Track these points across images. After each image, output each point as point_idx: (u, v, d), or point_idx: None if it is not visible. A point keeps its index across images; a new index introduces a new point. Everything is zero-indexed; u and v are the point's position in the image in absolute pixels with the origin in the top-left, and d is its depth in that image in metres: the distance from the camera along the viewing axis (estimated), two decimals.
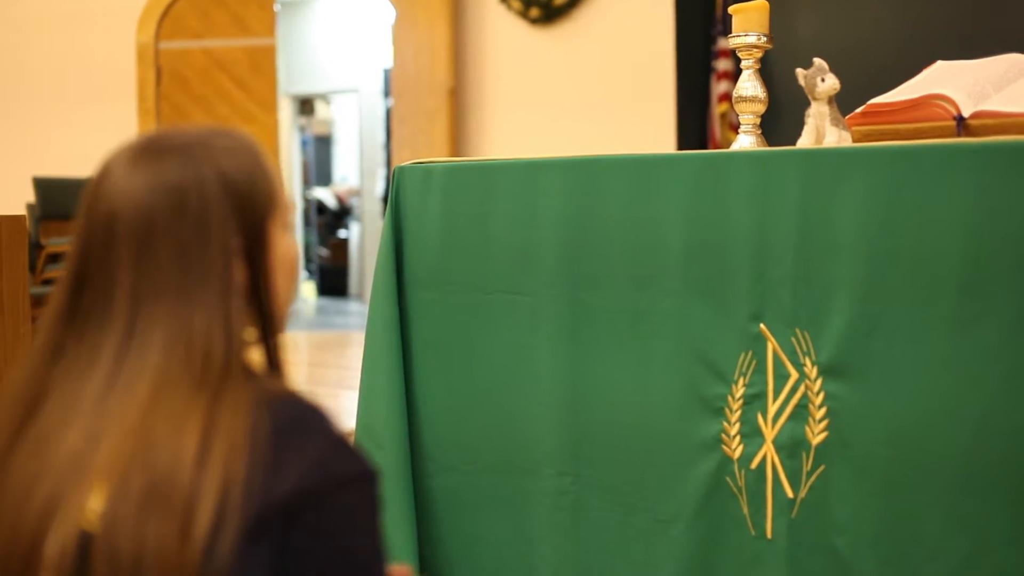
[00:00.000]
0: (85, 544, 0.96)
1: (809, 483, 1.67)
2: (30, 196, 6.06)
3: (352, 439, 2.08)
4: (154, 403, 0.99)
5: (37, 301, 3.37)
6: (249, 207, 1.06)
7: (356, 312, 10.09)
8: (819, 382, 1.66)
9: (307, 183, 12.18)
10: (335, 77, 10.95)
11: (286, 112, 10.48)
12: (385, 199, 7.84)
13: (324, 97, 12.22)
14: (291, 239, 1.12)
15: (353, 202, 11.90)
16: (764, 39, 1.95)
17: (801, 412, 1.68)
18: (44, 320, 1.07)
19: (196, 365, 1.01)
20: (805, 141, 1.93)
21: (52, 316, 1.06)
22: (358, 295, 10.99)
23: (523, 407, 1.95)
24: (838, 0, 5.43)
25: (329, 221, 12.31)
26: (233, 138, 1.09)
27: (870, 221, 1.60)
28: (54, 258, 5.38)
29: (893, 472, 1.59)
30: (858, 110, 1.92)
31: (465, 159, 2.13)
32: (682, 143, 5.83)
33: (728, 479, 1.75)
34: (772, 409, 1.71)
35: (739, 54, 1.99)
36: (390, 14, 6.90)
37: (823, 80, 1.90)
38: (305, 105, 12.14)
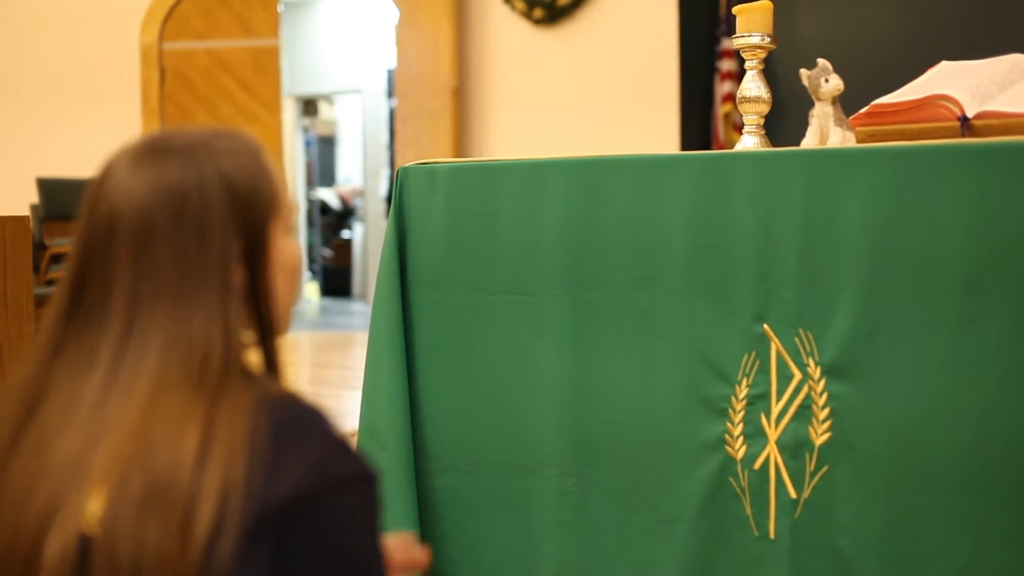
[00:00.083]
0: (85, 546, 0.96)
1: (812, 483, 1.67)
2: (34, 197, 6.07)
3: (354, 439, 2.08)
4: (153, 406, 0.99)
5: (41, 301, 3.37)
6: (250, 209, 1.05)
7: (359, 312, 10.10)
8: (822, 382, 1.66)
9: (311, 184, 12.19)
10: (339, 78, 10.96)
11: (290, 113, 10.49)
12: (389, 200, 7.84)
13: (328, 98, 12.23)
14: (293, 242, 1.11)
15: (356, 203, 11.91)
16: (768, 39, 1.95)
17: (804, 412, 1.68)
18: (45, 320, 1.07)
19: (194, 368, 1.00)
20: (809, 142, 1.93)
21: (53, 316, 1.06)
22: (361, 295, 11.00)
23: (526, 407, 1.95)
24: (842, 1, 5.42)
25: (332, 222, 12.32)
26: (236, 140, 1.09)
27: (873, 221, 1.60)
28: (58, 259, 5.38)
29: (896, 472, 1.59)
30: (862, 110, 1.92)
31: (469, 160, 2.13)
32: (686, 144, 5.82)
33: (731, 479, 1.75)
34: (775, 409, 1.71)
35: (743, 54, 1.98)
36: (394, 15, 6.90)
37: (827, 81, 1.90)
38: (309, 106, 12.16)
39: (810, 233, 1.66)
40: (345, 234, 12.02)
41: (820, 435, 1.67)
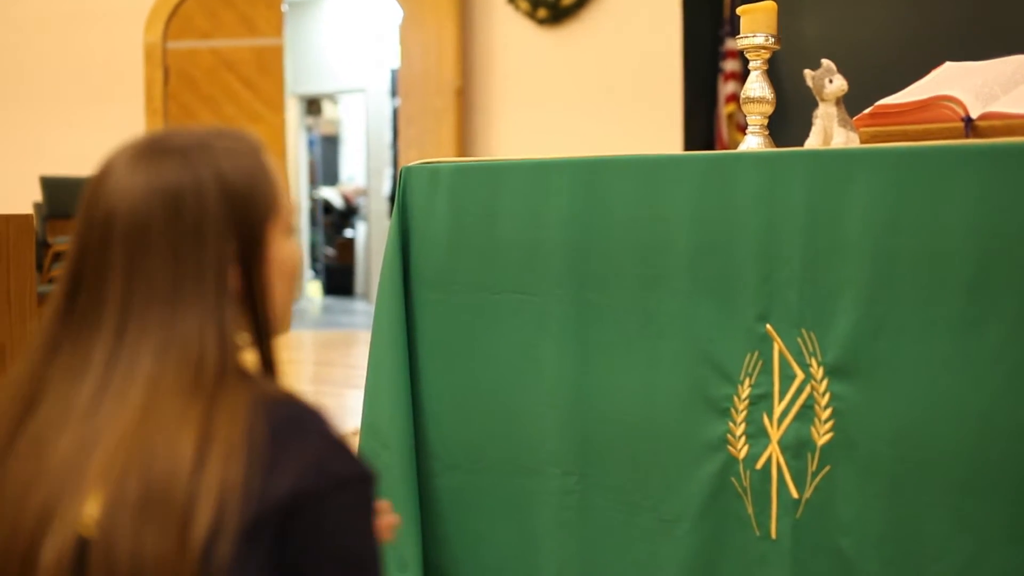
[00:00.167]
0: (82, 549, 0.96)
1: (814, 484, 1.67)
2: (37, 195, 6.08)
3: (356, 438, 2.09)
4: (148, 410, 0.98)
5: (44, 299, 3.38)
6: (248, 211, 1.04)
7: (362, 311, 10.10)
8: (825, 383, 1.66)
9: (314, 183, 12.19)
10: (342, 77, 10.96)
11: (293, 112, 10.50)
12: (392, 199, 7.85)
13: (331, 97, 12.24)
14: (292, 243, 1.10)
15: (360, 202, 11.91)
16: (772, 40, 1.95)
17: (807, 413, 1.68)
18: (43, 318, 1.06)
19: (189, 371, 1.00)
20: (813, 142, 1.93)
21: (50, 315, 1.06)
22: (364, 294, 11.00)
23: (528, 407, 1.95)
24: (846, 1, 5.42)
25: (335, 221, 12.32)
26: (236, 139, 1.08)
27: (877, 222, 1.60)
28: (60, 257, 5.39)
29: (898, 472, 1.59)
30: (866, 111, 1.92)
31: (472, 159, 2.13)
32: (689, 144, 5.82)
33: (733, 479, 1.75)
34: (778, 410, 1.71)
35: (747, 55, 1.98)
36: (397, 14, 6.91)
37: (831, 81, 1.90)
38: (312, 105, 12.16)
39: (813, 233, 1.66)
40: (348, 233, 12.02)
41: (822, 435, 1.67)
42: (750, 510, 1.73)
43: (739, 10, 1.99)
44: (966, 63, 1.95)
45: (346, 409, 4.87)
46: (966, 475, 1.53)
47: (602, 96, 6.11)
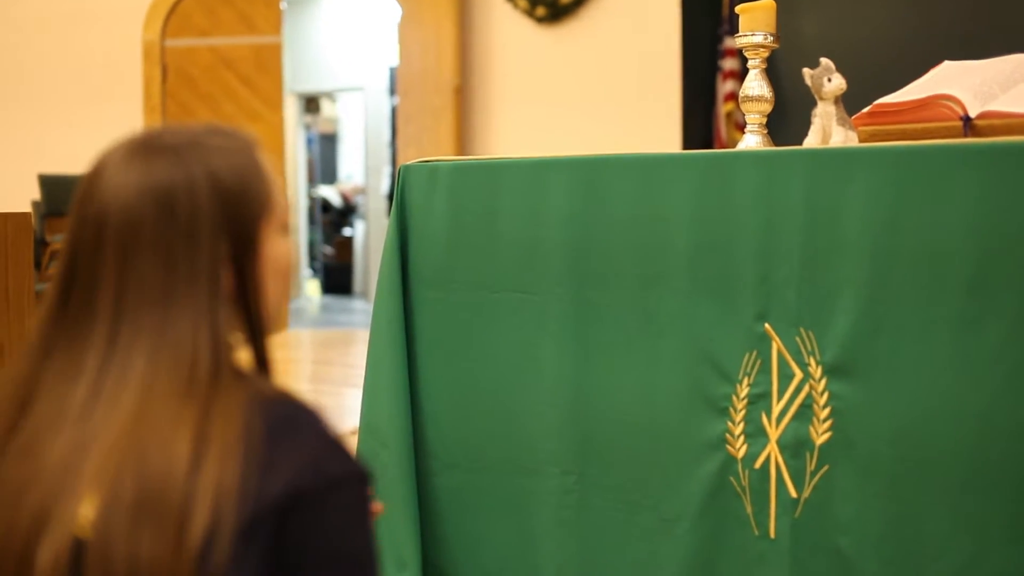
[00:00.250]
0: (78, 552, 0.95)
1: (813, 483, 1.67)
2: (35, 193, 6.07)
3: (354, 438, 2.08)
4: (141, 412, 0.98)
5: (42, 297, 3.38)
6: (240, 209, 1.03)
7: (360, 310, 10.10)
8: (823, 382, 1.66)
9: (312, 181, 12.19)
10: (341, 75, 10.96)
11: (292, 110, 10.49)
12: (390, 197, 7.85)
13: (330, 95, 12.23)
14: (285, 242, 1.09)
15: (358, 200, 11.91)
16: (771, 38, 1.95)
17: (805, 412, 1.68)
18: (37, 318, 1.06)
19: (183, 373, 0.99)
20: (811, 141, 1.93)
21: (43, 314, 1.05)
22: (363, 293, 11.00)
23: (527, 406, 1.95)
24: (845, 0, 5.42)
25: (334, 219, 12.32)
26: (229, 137, 1.07)
27: (875, 221, 1.60)
28: (58, 255, 5.39)
29: (897, 472, 1.59)
30: (865, 110, 1.91)
31: (471, 158, 2.13)
32: (688, 143, 5.82)
33: (732, 479, 1.75)
34: (776, 409, 1.71)
35: (745, 53, 1.98)
36: (396, 12, 6.90)
37: (830, 80, 1.90)
38: (311, 103, 12.16)
39: (812, 232, 1.66)
40: (346, 232, 12.02)
41: (821, 434, 1.67)
42: (749, 509, 1.73)
43: (738, 8, 1.99)
44: (965, 62, 1.95)
45: (345, 408, 4.87)
46: (965, 474, 1.53)
47: (601, 94, 6.11)
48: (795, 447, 1.69)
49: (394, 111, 9.21)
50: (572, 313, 1.90)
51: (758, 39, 1.95)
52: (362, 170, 11.47)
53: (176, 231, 1.01)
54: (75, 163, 5.87)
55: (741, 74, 5.54)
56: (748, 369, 1.73)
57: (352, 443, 2.08)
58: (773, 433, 1.71)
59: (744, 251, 1.73)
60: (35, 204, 5.97)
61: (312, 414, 1.03)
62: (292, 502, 0.97)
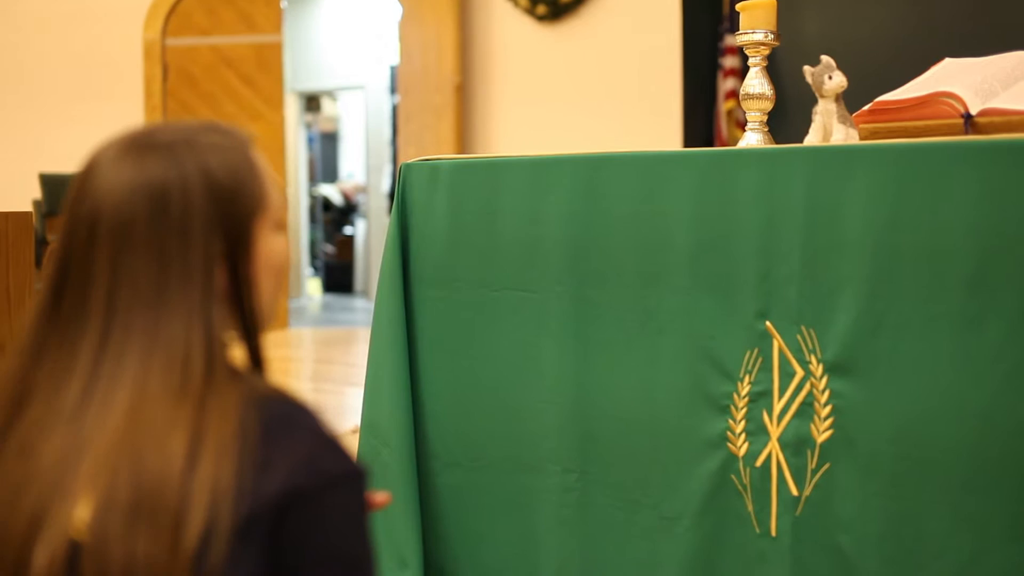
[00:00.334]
0: (74, 553, 0.95)
1: (814, 481, 1.67)
2: (36, 192, 6.08)
3: (355, 436, 2.08)
4: (135, 413, 0.97)
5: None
6: (234, 207, 1.03)
7: (362, 309, 10.10)
8: (824, 380, 1.66)
9: (313, 180, 12.19)
10: (341, 74, 10.96)
11: (292, 109, 10.49)
12: (391, 196, 7.85)
13: (330, 94, 12.23)
14: (280, 239, 1.08)
15: (359, 199, 11.91)
16: (771, 36, 1.95)
17: (806, 410, 1.68)
18: (30, 317, 1.05)
19: (176, 373, 0.98)
20: (812, 138, 1.93)
21: (37, 314, 1.04)
22: (364, 292, 11.00)
23: (529, 404, 1.95)
24: None
25: (335, 218, 12.32)
26: (223, 135, 1.06)
27: (876, 218, 1.60)
28: None
29: (898, 470, 1.59)
30: (865, 107, 1.91)
31: (472, 156, 2.13)
32: (688, 140, 5.82)
33: (733, 477, 1.75)
34: (777, 407, 1.71)
35: (746, 51, 1.98)
36: (397, 11, 6.90)
37: (830, 77, 1.90)
38: (311, 102, 12.16)
39: (813, 230, 1.66)
40: (347, 230, 12.02)
41: (822, 432, 1.66)
42: (750, 507, 1.73)
43: (739, 6, 1.99)
44: (966, 59, 1.95)
45: (346, 407, 4.87)
46: (966, 473, 1.53)
47: (601, 92, 6.11)
48: (796, 445, 1.69)
49: (395, 109, 9.21)
50: (573, 311, 1.90)
51: (759, 37, 1.95)
52: (363, 169, 11.47)
53: (169, 229, 1.00)
54: (76, 162, 5.87)
55: (742, 72, 5.54)
56: (749, 367, 1.73)
57: (353, 442, 2.09)
58: (774, 431, 1.71)
59: (745, 249, 1.73)
60: (36, 203, 5.98)
61: (308, 412, 1.02)
62: (289, 501, 0.96)
